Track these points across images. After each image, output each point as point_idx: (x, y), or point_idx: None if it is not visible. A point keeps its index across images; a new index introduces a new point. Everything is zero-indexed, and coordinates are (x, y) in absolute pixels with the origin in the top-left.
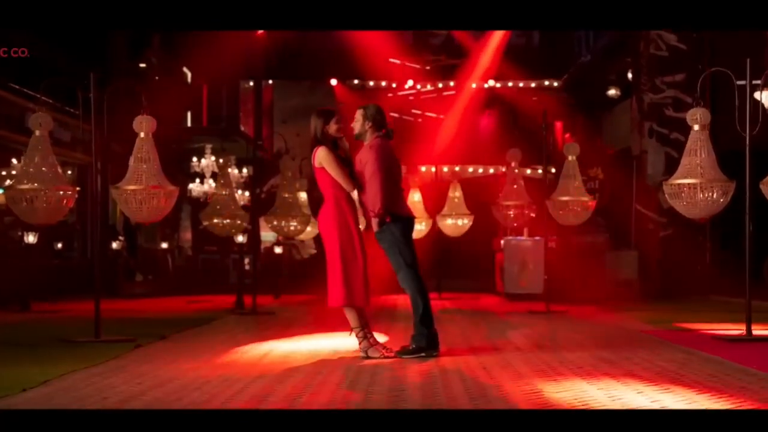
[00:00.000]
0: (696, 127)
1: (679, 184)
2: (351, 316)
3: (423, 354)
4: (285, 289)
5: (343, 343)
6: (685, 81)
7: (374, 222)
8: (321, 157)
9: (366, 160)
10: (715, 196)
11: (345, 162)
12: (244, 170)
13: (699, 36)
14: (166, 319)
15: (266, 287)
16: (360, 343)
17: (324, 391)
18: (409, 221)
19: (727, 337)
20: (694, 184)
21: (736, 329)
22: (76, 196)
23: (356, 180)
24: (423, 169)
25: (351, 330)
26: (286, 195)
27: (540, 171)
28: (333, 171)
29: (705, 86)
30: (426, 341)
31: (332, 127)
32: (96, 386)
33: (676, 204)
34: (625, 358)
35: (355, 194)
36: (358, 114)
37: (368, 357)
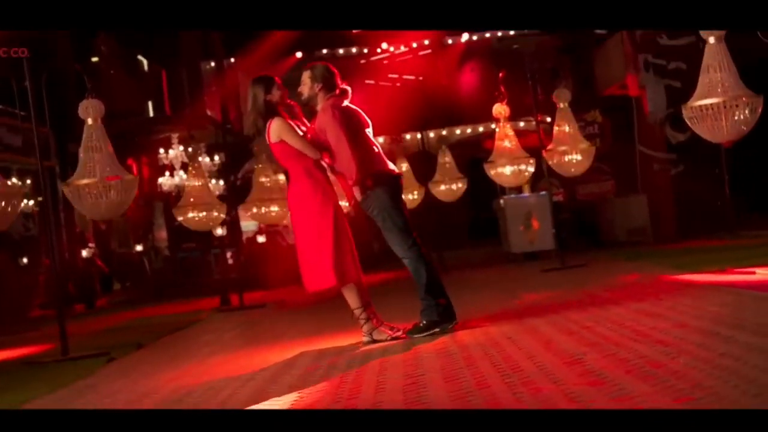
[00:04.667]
0: (711, 40)
1: (700, 106)
2: (350, 296)
3: (437, 329)
4: (274, 279)
5: (345, 330)
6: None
7: (355, 190)
8: (279, 129)
9: (324, 126)
10: (742, 115)
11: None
12: (216, 158)
13: None
14: (144, 327)
15: (253, 281)
16: (363, 326)
17: (325, 389)
18: (394, 180)
19: None
20: (718, 104)
21: None
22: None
23: (320, 146)
24: (408, 137)
25: (352, 312)
26: (263, 179)
27: (534, 123)
28: (294, 141)
29: None
30: (438, 313)
31: (275, 95)
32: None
33: (699, 129)
34: (668, 308)
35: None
36: (305, 76)
37: (374, 341)
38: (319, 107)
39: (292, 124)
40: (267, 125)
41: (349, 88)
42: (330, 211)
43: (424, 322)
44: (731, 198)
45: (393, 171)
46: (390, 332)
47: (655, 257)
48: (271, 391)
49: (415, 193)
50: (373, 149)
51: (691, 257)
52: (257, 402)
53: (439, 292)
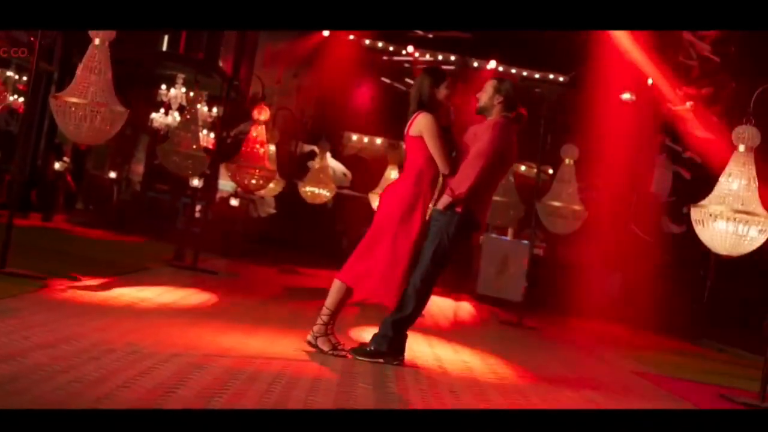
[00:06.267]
0: (741, 148)
1: (710, 212)
2: (335, 295)
3: (381, 360)
4: (235, 247)
5: (291, 324)
6: (711, 97)
7: (443, 200)
8: (423, 124)
9: (480, 137)
10: (749, 232)
11: (447, 135)
12: (214, 110)
13: (737, 50)
14: (92, 259)
15: (213, 242)
16: (316, 326)
17: (248, 393)
18: (474, 227)
19: (737, 399)
20: (729, 214)
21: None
22: None
23: (454, 163)
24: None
25: (322, 307)
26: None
27: (534, 170)
28: (433, 145)
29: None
30: (389, 346)
31: (442, 92)
32: None
33: (701, 233)
34: (621, 406)
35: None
36: (489, 85)
37: (315, 346)
38: (490, 118)
39: (440, 127)
40: (414, 115)
41: (525, 115)
42: (410, 229)
43: (373, 348)
44: (707, 306)
45: (482, 221)
46: (334, 346)
47: (614, 342)
48: (193, 377)
49: None
50: (492, 190)
51: (652, 354)
52: (175, 383)
53: (402, 328)
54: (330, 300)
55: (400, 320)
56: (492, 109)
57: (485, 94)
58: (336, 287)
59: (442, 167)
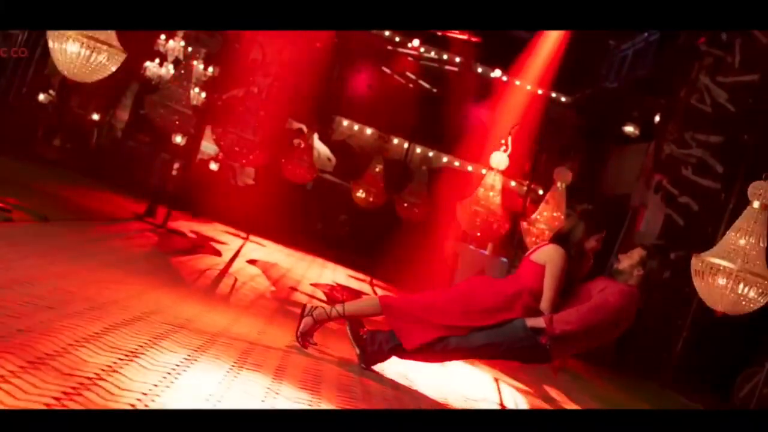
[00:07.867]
0: (755, 204)
1: (711, 264)
2: (362, 310)
3: (358, 351)
4: (206, 211)
5: (256, 304)
6: (720, 146)
7: (537, 321)
8: (551, 258)
9: (607, 293)
10: (749, 292)
11: (568, 279)
12: (210, 69)
13: (756, 101)
14: (62, 198)
15: (186, 203)
16: (318, 309)
17: (207, 377)
18: (537, 361)
19: None
20: (730, 270)
21: None
22: None
23: (558, 305)
24: (396, 141)
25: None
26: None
27: (525, 187)
28: (550, 281)
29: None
30: (375, 350)
31: (591, 243)
32: None
33: (698, 284)
34: None
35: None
36: (636, 253)
37: (301, 315)
38: (623, 282)
39: (566, 266)
40: (547, 242)
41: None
42: (473, 323)
43: (366, 337)
44: (678, 356)
45: (551, 361)
46: (306, 334)
47: (580, 380)
48: (144, 361)
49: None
50: (584, 347)
51: (619, 396)
52: (128, 353)
53: (395, 352)
54: (353, 307)
55: (402, 353)
56: (629, 278)
57: (629, 260)
58: (370, 303)
59: (545, 304)
